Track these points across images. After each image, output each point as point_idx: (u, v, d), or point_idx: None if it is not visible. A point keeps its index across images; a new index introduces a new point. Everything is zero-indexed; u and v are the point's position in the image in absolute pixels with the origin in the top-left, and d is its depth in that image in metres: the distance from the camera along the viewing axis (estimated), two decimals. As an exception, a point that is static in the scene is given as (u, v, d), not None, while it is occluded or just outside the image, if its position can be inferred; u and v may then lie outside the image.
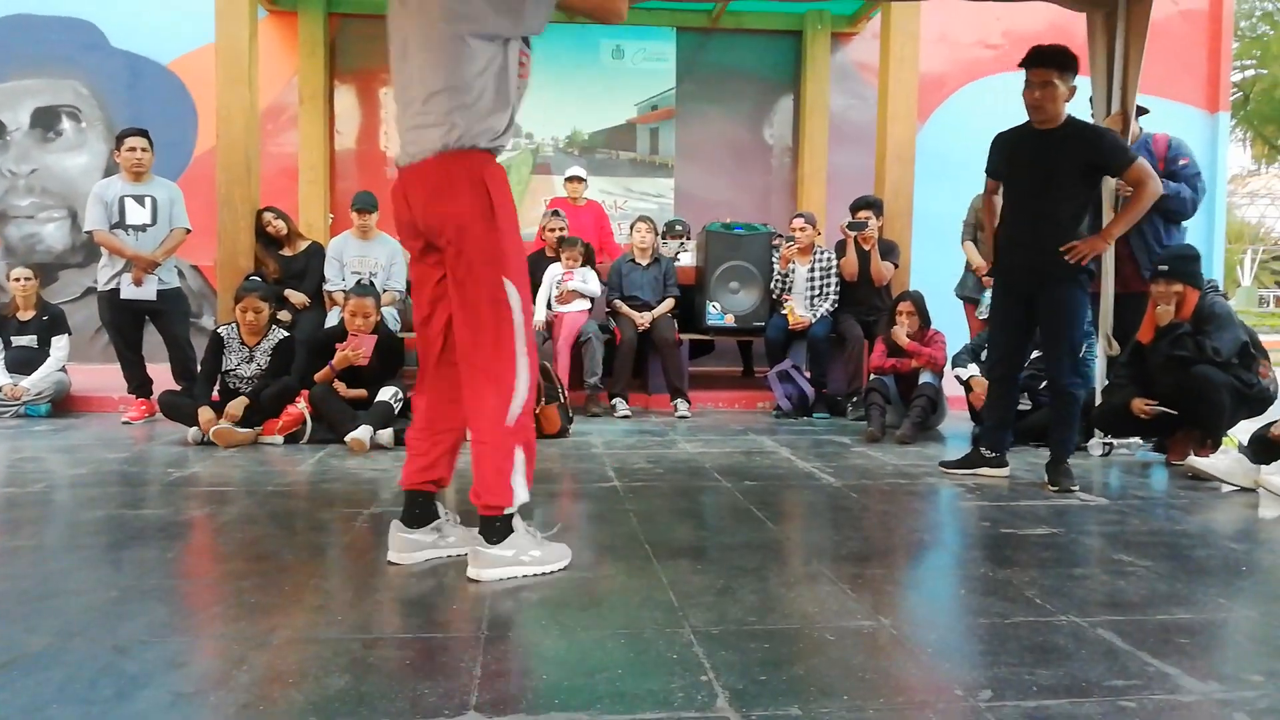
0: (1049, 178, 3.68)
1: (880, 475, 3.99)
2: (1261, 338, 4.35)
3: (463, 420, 2.55)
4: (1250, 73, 20.11)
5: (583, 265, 6.23)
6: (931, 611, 2.30)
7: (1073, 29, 7.91)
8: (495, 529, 2.46)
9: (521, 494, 2.45)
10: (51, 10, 7.77)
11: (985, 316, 5.65)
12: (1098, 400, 4.56)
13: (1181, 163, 4.65)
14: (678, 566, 2.56)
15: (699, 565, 2.58)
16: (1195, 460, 3.91)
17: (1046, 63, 3.59)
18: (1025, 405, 4.89)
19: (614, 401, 5.99)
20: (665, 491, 3.65)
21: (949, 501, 3.60)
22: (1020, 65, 3.66)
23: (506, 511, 2.45)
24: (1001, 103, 8.20)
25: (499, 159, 2.47)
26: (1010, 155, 3.83)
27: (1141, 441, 4.67)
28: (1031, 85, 3.64)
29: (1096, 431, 4.57)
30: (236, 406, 4.61)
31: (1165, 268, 4.22)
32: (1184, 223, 4.77)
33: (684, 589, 2.34)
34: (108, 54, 7.88)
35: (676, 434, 5.20)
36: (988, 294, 5.63)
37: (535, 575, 2.45)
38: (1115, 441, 4.60)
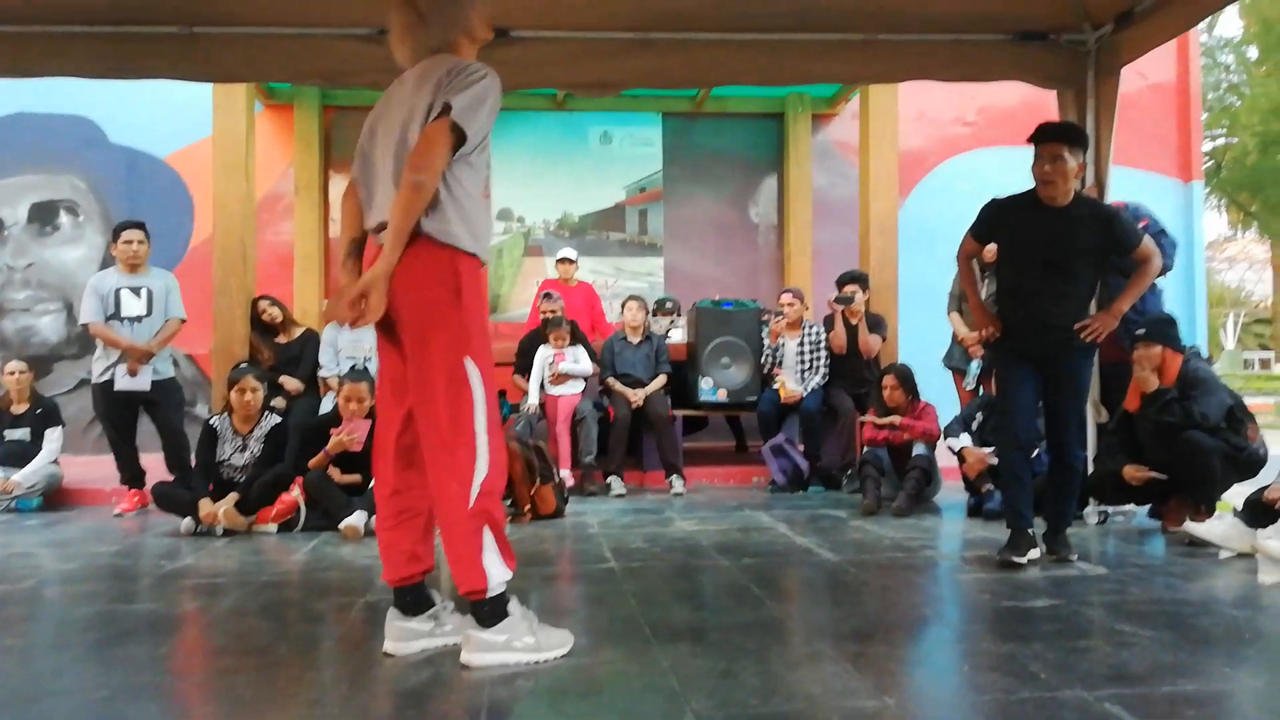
0: (1066, 257, 3.62)
1: (878, 549, 3.98)
2: (1248, 400, 4.41)
3: (428, 502, 2.51)
4: (1221, 141, 20.68)
5: (572, 344, 6.27)
6: (936, 689, 2.28)
7: (1045, 105, 8.16)
8: (486, 613, 2.41)
9: (498, 573, 2.39)
10: (51, 109, 7.95)
11: (972, 387, 5.70)
12: (1090, 469, 4.58)
13: (1141, 224, 4.75)
14: (678, 649, 2.53)
15: (699, 647, 2.55)
16: (1191, 526, 3.91)
17: (1056, 137, 3.61)
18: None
19: (609, 480, 5.97)
20: (663, 571, 3.62)
21: (948, 575, 3.59)
22: (1029, 140, 3.67)
23: (490, 595, 2.40)
24: (980, 176, 8.42)
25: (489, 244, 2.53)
26: (1014, 226, 3.75)
27: (1137, 508, 4.67)
28: (1041, 159, 3.61)
29: (1092, 500, 4.57)
30: (227, 503, 4.57)
31: (1143, 332, 4.30)
32: (1159, 284, 4.85)
33: (685, 672, 2.32)
34: (106, 149, 8.04)
35: (672, 511, 5.18)
36: (974, 364, 5.69)
37: (529, 663, 2.39)
38: (1111, 509, 4.60)
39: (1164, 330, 4.32)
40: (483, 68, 2.47)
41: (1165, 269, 4.75)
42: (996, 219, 3.81)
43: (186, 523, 4.61)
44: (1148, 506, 4.56)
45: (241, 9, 4.56)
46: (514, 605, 2.46)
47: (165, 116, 7.90)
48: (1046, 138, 3.62)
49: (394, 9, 2.59)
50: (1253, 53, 20.52)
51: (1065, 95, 4.85)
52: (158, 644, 2.72)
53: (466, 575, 2.39)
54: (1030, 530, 3.63)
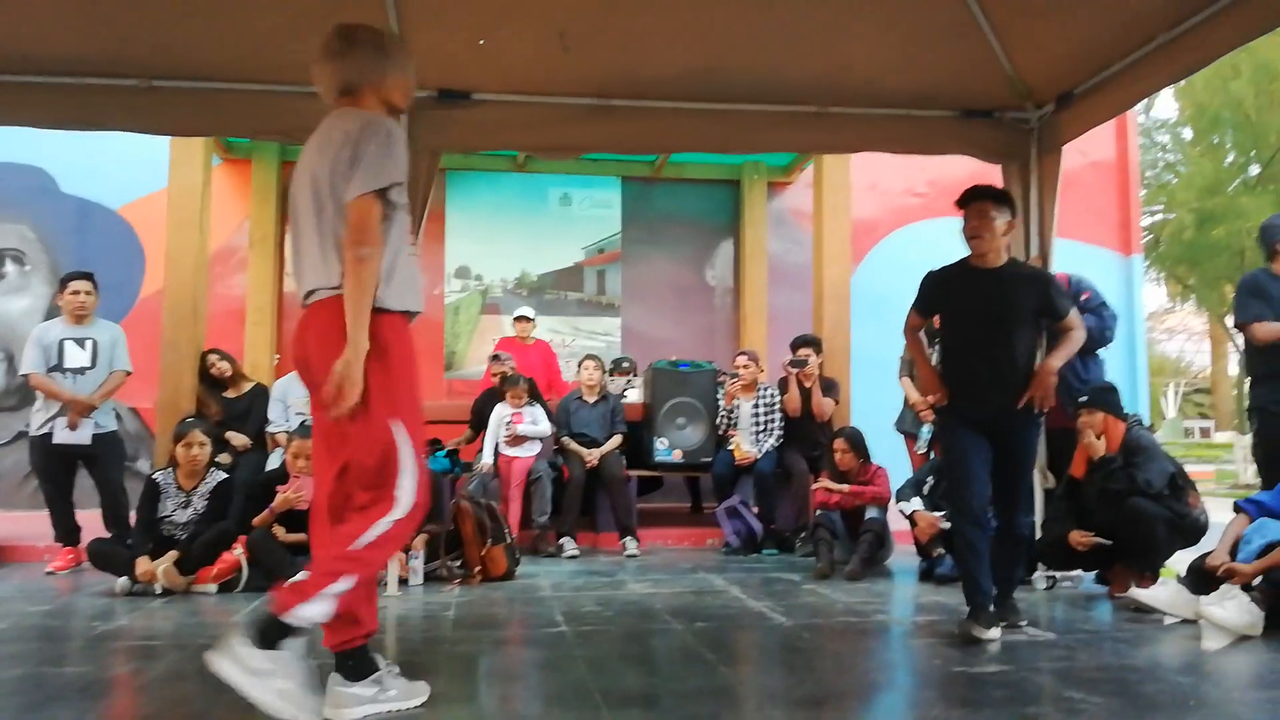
0: (1004, 318, 3.62)
1: (831, 614, 3.97)
2: (1189, 468, 4.51)
3: None
4: (1159, 217, 21.49)
5: (529, 403, 6.23)
6: (887, 757, 2.26)
7: (992, 177, 8.44)
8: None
9: (313, 612, 2.29)
10: (2, 157, 7.84)
11: (924, 451, 5.77)
12: (1038, 534, 4.64)
13: (1084, 297, 4.92)
14: (629, 716, 2.48)
15: (651, 714, 2.51)
16: (1137, 592, 3.96)
17: (981, 196, 3.67)
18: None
19: (562, 541, 5.90)
20: (615, 635, 3.57)
21: (900, 640, 3.58)
22: (956, 204, 3.73)
23: (285, 619, 2.28)
24: (929, 246, 8.61)
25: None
26: (952, 294, 3.77)
27: (1084, 574, 4.73)
28: (969, 219, 3.66)
29: (1040, 565, 4.62)
30: (166, 561, 4.43)
31: (1085, 399, 4.42)
32: (1101, 354, 5.00)
33: (635, 740, 2.27)
34: (57, 199, 7.93)
35: (625, 574, 5.12)
36: (925, 429, 5.77)
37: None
38: (1059, 574, 4.65)
39: (1106, 397, 4.44)
40: (385, 121, 2.51)
41: (1106, 340, 4.90)
42: (934, 290, 3.83)
43: (122, 582, 4.45)
44: (1095, 572, 4.63)
45: (202, 64, 4.56)
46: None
47: (120, 167, 7.82)
48: (971, 198, 3.68)
49: (328, 32, 2.60)
50: (1188, 133, 21.50)
51: (1010, 170, 5.02)
52: (86, 709, 2.60)
53: (294, 590, 2.32)
54: (992, 607, 3.50)
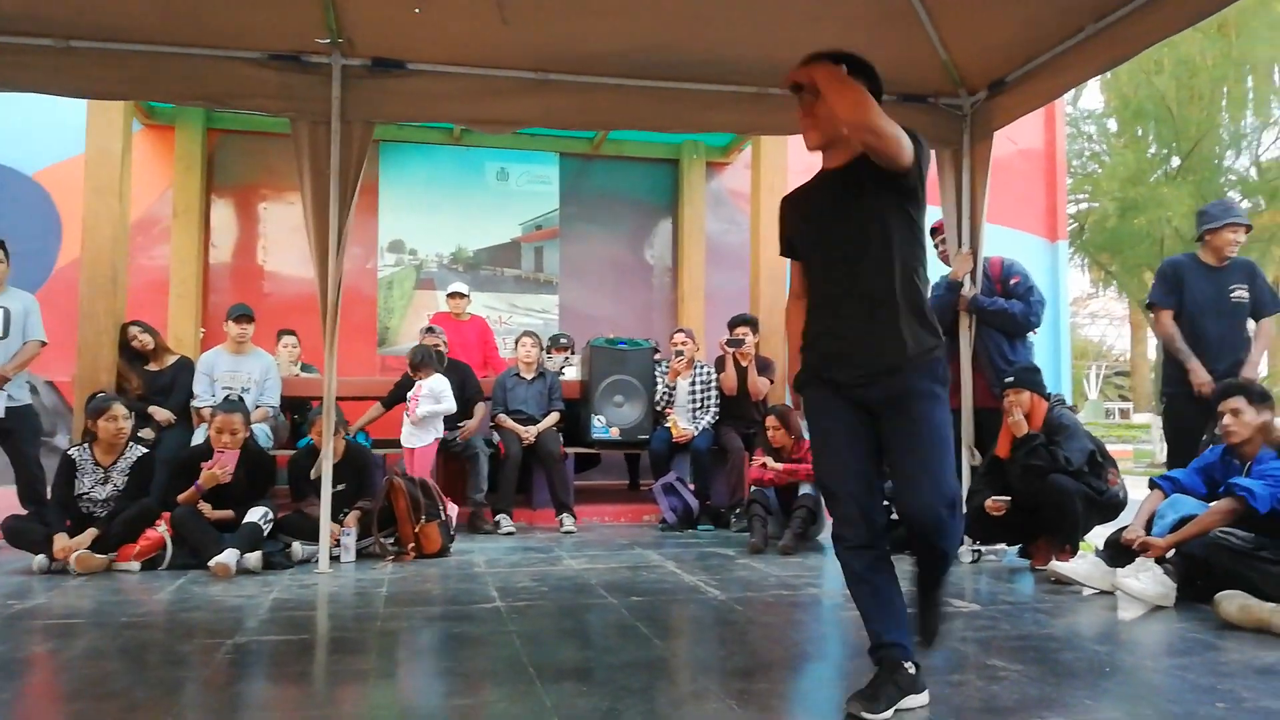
0: (857, 227, 2.42)
1: (764, 587, 4.02)
2: (1110, 447, 4.68)
3: None
4: (1084, 205, 22.12)
5: (431, 375, 5.63)
6: (817, 725, 2.31)
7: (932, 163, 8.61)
8: None
9: None
10: (-94, 117, 7.43)
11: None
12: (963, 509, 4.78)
13: (1013, 281, 5.06)
14: (563, 689, 2.49)
15: (585, 687, 2.51)
16: (1057, 565, 4.10)
17: (812, 59, 2.40)
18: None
19: (498, 518, 5.87)
20: (550, 611, 3.57)
21: (831, 612, 3.65)
22: (792, 84, 2.50)
23: None
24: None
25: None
26: (802, 215, 2.62)
27: (1007, 548, 4.88)
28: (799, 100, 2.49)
29: (964, 539, 4.76)
30: (83, 540, 4.30)
31: (1011, 379, 4.55)
32: (1031, 337, 5.14)
33: (569, 712, 2.28)
34: (-33, 163, 7.55)
35: (562, 550, 5.12)
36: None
37: None
38: (983, 548, 4.79)
39: (1031, 377, 4.57)
40: None
41: (1034, 325, 5.05)
42: (784, 215, 2.71)
43: (39, 560, 4.29)
44: (1017, 546, 4.78)
45: (124, 25, 4.36)
46: None
47: (35, 131, 7.47)
48: (803, 63, 2.42)
49: None
50: (1113, 124, 22.14)
51: (943, 155, 5.11)
52: (2, 688, 2.51)
53: None
54: (906, 663, 2.36)
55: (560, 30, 4.58)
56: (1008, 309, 4.96)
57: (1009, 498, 4.44)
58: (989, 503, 4.44)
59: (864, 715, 2.24)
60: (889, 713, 2.26)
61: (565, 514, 5.94)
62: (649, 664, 2.79)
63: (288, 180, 7.90)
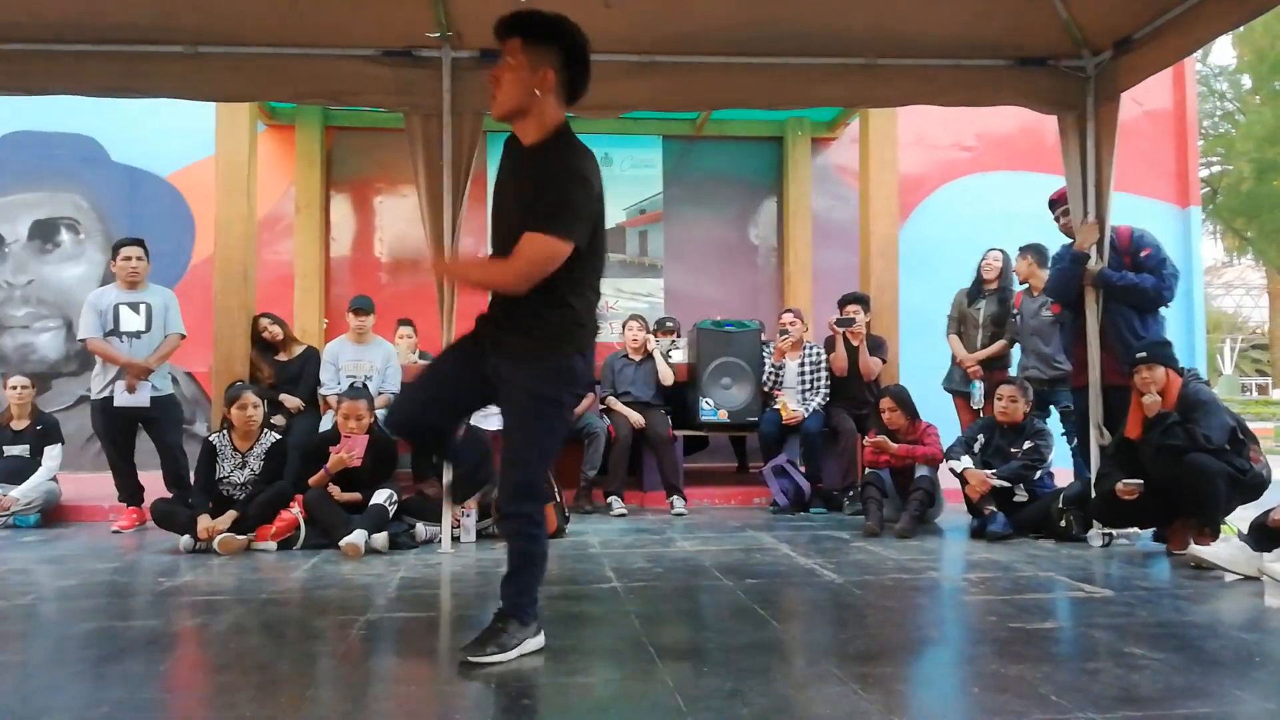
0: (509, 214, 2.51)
1: (882, 570, 3.95)
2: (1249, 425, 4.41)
3: None
4: (1217, 169, 20.83)
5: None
6: (946, 711, 2.26)
7: (1043, 130, 8.24)
8: None
9: None
10: (54, 127, 7.97)
11: (978, 407, 5.73)
12: (1092, 492, 4.58)
13: (1144, 253, 4.77)
14: (682, 669, 2.50)
15: (704, 667, 2.52)
16: (1197, 549, 3.90)
17: (505, 30, 2.40)
18: (1022, 497, 4.91)
19: (610, 499, 5.94)
20: (666, 592, 3.60)
21: (953, 596, 3.56)
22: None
23: None
24: (978, 200, 8.47)
25: None
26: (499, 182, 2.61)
27: (1140, 532, 4.66)
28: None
29: (1095, 523, 4.56)
30: (224, 522, 4.55)
31: (1143, 354, 4.31)
32: (1162, 311, 4.86)
33: (691, 693, 2.29)
34: (108, 168, 8.06)
35: (674, 532, 5.15)
36: (976, 385, 5.74)
37: None
38: (1115, 532, 4.58)
39: (1164, 352, 4.34)
40: None
41: (1166, 299, 4.77)
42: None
43: (185, 540, 4.57)
44: (1152, 530, 4.56)
45: (247, 30, 4.58)
46: None
47: (168, 136, 7.92)
48: (500, 28, 2.44)
49: None
50: (1247, 81, 20.73)
51: (1066, 119, 4.88)
52: (156, 661, 2.68)
53: None
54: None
55: (662, 11, 4.57)
56: (1138, 284, 4.69)
57: (1141, 480, 4.23)
58: (1121, 486, 4.24)
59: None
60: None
61: (675, 496, 5.97)
62: (768, 646, 2.78)
63: (401, 174, 8.14)
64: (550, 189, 2.38)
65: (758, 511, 6.08)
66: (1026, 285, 5.89)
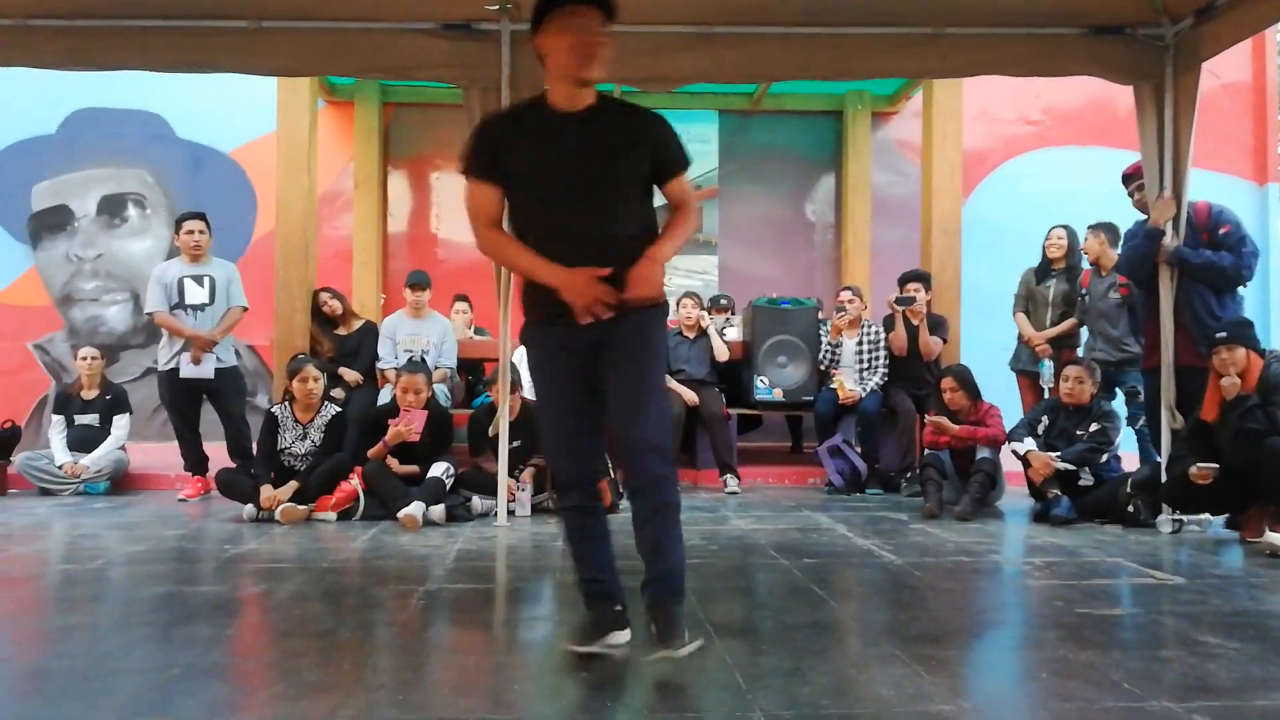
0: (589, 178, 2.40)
1: (942, 553, 3.88)
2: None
3: None
4: (1295, 144, 20.04)
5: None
6: (1014, 695, 2.20)
7: (1113, 103, 7.98)
8: None
9: None
10: (121, 104, 8.13)
11: (1048, 385, 5.60)
12: (1163, 476, 4.44)
13: (1223, 230, 4.58)
14: (741, 647, 2.48)
15: (763, 646, 2.50)
16: (1273, 537, 3.75)
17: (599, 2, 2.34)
18: (1087, 481, 4.78)
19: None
20: (721, 570, 3.57)
21: (1017, 580, 3.48)
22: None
23: None
24: (1045, 176, 8.22)
25: None
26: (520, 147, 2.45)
27: (1212, 518, 4.51)
28: (563, 32, 2.32)
29: (1165, 508, 4.43)
30: (285, 492, 4.63)
31: (1224, 334, 4.15)
32: (1240, 291, 4.67)
33: (750, 671, 2.27)
34: (173, 144, 8.21)
35: (727, 510, 5.12)
36: (1045, 364, 5.61)
37: None
38: (1186, 518, 4.44)
39: (1245, 332, 4.18)
40: None
41: (1245, 279, 4.59)
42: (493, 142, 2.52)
43: (248, 509, 4.67)
44: (1224, 516, 4.41)
45: (309, 4, 4.60)
46: None
47: (230, 112, 8.04)
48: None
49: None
50: (1330, 52, 19.85)
51: (1143, 90, 4.70)
52: (222, 625, 2.74)
53: None
54: (619, 605, 2.47)
55: (723, -20, 4.48)
56: (1216, 261, 4.51)
57: (1216, 464, 4.09)
58: (1195, 470, 4.10)
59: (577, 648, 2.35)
60: (619, 636, 2.40)
61: (729, 475, 5.93)
62: (826, 625, 2.74)
63: (458, 149, 8.13)
64: (667, 133, 2.49)
65: (812, 491, 6.02)
66: (1094, 264, 5.72)
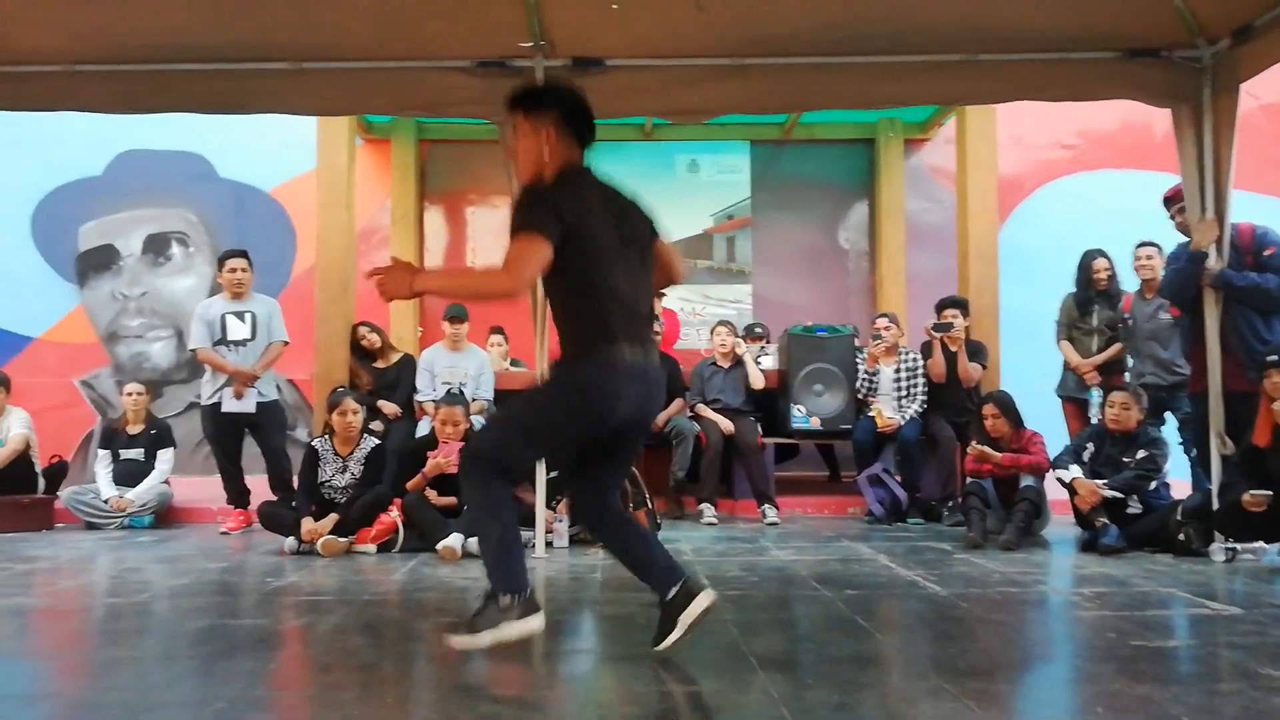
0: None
1: (989, 583, 3.80)
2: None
3: None
4: (1337, 164, 19.69)
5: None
6: (1068, 730, 2.14)
7: (1148, 126, 7.91)
8: None
9: None
10: (164, 145, 8.34)
11: (1099, 417, 5.53)
12: (1215, 503, 4.34)
13: (1267, 252, 4.52)
14: (785, 680, 2.44)
15: (809, 679, 2.45)
16: (1333, 566, 3.64)
17: (508, 107, 2.66)
18: (1135, 509, 4.68)
19: (701, 507, 5.89)
20: (763, 601, 3.53)
21: (1067, 611, 3.41)
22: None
23: None
24: (1081, 200, 8.15)
25: None
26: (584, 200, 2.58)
27: (1267, 546, 4.38)
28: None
29: (1218, 536, 4.31)
30: (326, 525, 4.66)
31: (1276, 358, 4.07)
32: None
33: (797, 705, 2.22)
34: (215, 183, 8.40)
35: (767, 540, 5.07)
36: (1095, 392, 5.53)
37: None
38: (1239, 546, 4.32)
39: (1298, 356, 4.08)
40: None
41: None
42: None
43: (290, 542, 4.70)
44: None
45: (346, 45, 4.70)
46: None
47: (270, 151, 8.21)
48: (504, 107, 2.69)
49: None
50: (1371, 70, 19.54)
51: (1181, 113, 4.65)
52: (266, 659, 2.75)
53: None
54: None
55: (753, 13, 4.51)
56: (1261, 284, 4.44)
57: (1270, 491, 3.98)
58: (1247, 498, 4.00)
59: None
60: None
61: (767, 505, 5.88)
62: (872, 658, 2.69)
63: (492, 184, 8.28)
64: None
65: (851, 521, 5.95)
66: (1138, 288, 5.64)
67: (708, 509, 5.86)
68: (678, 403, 6.27)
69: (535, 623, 2.44)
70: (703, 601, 2.55)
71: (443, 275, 2.42)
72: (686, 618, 2.55)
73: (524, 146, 2.60)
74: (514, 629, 2.41)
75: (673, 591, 2.57)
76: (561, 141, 2.59)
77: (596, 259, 2.51)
